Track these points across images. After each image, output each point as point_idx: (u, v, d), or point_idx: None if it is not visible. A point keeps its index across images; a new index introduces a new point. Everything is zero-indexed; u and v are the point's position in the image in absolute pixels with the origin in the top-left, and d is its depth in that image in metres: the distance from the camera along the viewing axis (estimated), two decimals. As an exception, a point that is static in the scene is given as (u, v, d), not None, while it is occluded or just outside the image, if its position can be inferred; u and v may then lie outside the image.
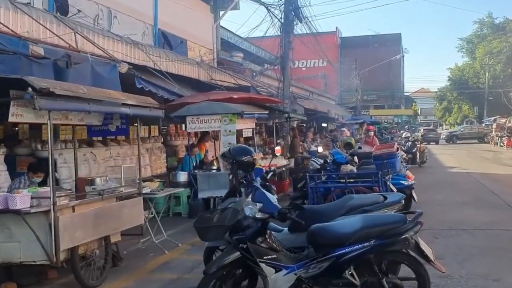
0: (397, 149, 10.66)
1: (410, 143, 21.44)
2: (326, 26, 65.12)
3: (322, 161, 10.40)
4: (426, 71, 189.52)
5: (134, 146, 16.01)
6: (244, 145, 6.05)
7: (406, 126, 46.53)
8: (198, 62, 17.63)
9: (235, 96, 12.54)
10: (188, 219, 11.10)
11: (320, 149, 12.00)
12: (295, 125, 18.72)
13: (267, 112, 13.41)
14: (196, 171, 11.81)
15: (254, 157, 5.56)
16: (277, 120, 16.11)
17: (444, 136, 49.08)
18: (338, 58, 58.39)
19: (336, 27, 60.89)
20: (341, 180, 9.43)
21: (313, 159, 10.80)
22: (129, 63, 12.97)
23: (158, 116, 8.14)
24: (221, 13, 24.83)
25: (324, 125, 26.63)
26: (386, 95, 62.28)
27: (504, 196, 12.71)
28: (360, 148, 15.04)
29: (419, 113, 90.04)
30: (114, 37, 13.08)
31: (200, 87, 16.02)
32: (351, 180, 9.43)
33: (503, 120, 36.87)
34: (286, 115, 15.28)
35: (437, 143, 43.00)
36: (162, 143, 14.71)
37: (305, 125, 24.49)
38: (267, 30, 19.08)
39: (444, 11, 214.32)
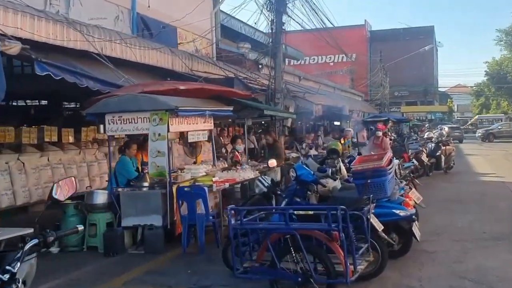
0: (389, 162, 6.92)
1: (433, 144, 17.38)
2: (355, 20, 60.80)
3: (269, 181, 6.78)
4: (462, 65, 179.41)
5: (87, 151, 12.81)
6: None
7: (427, 125, 40.94)
8: (172, 49, 14.22)
9: (181, 87, 9.08)
10: (102, 258, 7.75)
11: (273, 162, 8.21)
12: (288, 125, 15.14)
13: (230, 108, 9.86)
14: (120, 188, 8.41)
15: None
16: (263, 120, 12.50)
17: (479, 134, 43.98)
18: (367, 52, 54.08)
19: (365, 20, 56.68)
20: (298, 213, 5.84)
21: (260, 178, 7.17)
22: (58, 47, 9.90)
23: None
24: (221, -4, 21.38)
25: (337, 123, 22.80)
26: (418, 91, 57.49)
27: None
28: (359, 154, 11.38)
29: (455, 109, 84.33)
30: (35, 13, 9.81)
31: (174, 79, 12.70)
32: (309, 212, 5.84)
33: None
34: (269, 113, 11.64)
35: (460, 141, 38.09)
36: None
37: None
38: (261, 11, 15.20)
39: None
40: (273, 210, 6.24)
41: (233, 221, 5.26)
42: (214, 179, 8.60)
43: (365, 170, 6.73)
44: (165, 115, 7.79)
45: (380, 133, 13.38)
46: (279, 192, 6.62)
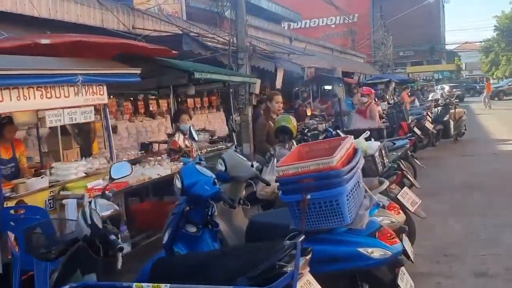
0: (351, 156, 3.42)
1: (439, 108, 13.73)
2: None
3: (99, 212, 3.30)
4: (470, 21, 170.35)
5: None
6: None
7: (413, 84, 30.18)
8: (101, 1, 10.67)
9: (43, 41, 5.60)
10: None
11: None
12: (257, 91, 11.64)
13: (135, 71, 6.37)
14: None
15: None
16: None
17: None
18: (370, 10, 49.57)
19: (367, -23, 51.66)
20: None
21: (86, 208, 3.60)
22: None
23: None
24: None
25: (327, 87, 19.13)
26: (424, 50, 52.96)
27: None
28: (337, 128, 8.00)
29: (464, 68, 79.33)
30: None
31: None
32: None
33: None
34: (207, 78, 8.01)
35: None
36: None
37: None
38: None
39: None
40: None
41: None
42: (90, 184, 5.22)
43: (300, 175, 3.26)
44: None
45: (365, 99, 9.76)
46: (113, 236, 3.11)
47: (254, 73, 13.31)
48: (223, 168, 4.38)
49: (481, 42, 62.18)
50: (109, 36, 9.95)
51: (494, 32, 56.98)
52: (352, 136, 3.64)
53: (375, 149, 4.96)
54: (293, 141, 5.72)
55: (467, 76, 68.17)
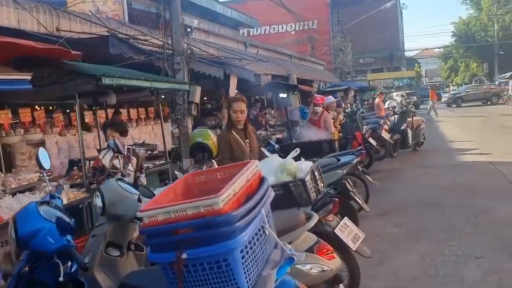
0: (251, 194, 2.41)
1: (396, 117, 13.00)
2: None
3: None
4: (428, 28, 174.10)
5: None
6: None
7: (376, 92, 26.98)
8: (18, 1, 9.41)
9: None
10: None
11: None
12: (196, 100, 10.56)
13: (25, 77, 5.22)
14: None
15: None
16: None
17: (445, 99, 39.91)
18: (329, 17, 49.41)
19: (325, -17, 51.57)
20: None
21: None
22: None
23: None
24: None
25: (283, 95, 18.19)
26: (384, 57, 53.14)
27: None
28: (278, 143, 7.04)
29: (424, 74, 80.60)
30: None
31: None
32: None
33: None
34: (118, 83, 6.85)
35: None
36: None
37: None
38: None
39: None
40: None
41: None
42: None
43: (173, 223, 2.23)
44: None
45: (319, 109, 8.85)
46: None
47: (205, 80, 12.29)
48: (100, 204, 3.33)
49: (439, 48, 63.00)
50: (27, 39, 8.74)
51: (452, 38, 57.77)
52: (256, 161, 2.62)
53: (306, 171, 3.99)
54: (214, 161, 4.67)
55: (428, 83, 69.18)
